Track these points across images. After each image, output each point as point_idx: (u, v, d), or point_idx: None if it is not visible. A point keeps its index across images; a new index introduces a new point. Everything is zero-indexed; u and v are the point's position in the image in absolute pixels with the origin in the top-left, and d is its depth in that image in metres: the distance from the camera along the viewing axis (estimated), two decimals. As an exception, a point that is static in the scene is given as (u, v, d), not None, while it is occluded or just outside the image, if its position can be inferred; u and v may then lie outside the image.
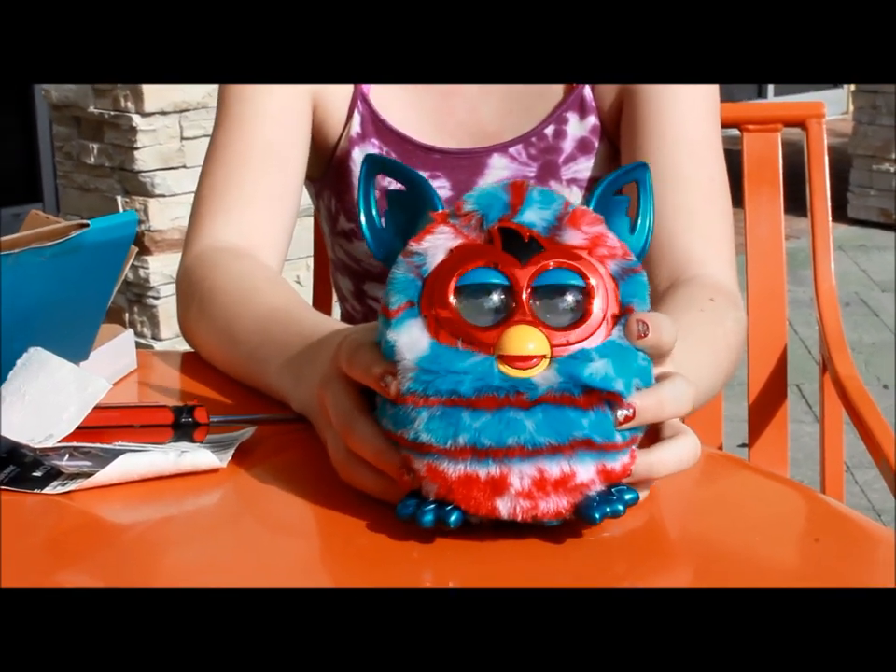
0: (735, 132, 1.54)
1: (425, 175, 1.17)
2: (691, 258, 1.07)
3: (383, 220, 0.76)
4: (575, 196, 1.18)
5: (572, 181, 1.18)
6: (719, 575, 0.70)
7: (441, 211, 0.72)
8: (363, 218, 0.76)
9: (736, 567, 0.71)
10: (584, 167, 1.18)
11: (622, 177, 0.76)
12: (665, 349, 0.73)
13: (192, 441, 0.83)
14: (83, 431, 0.79)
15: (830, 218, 1.55)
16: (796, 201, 1.54)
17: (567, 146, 1.17)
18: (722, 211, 1.12)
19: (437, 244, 0.71)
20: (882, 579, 0.70)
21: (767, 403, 1.55)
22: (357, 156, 1.18)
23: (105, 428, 0.80)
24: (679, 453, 0.74)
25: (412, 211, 0.75)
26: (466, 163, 1.18)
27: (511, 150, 1.18)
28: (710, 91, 1.15)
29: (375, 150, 1.18)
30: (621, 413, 0.69)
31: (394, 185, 0.78)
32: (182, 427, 0.83)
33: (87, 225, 0.82)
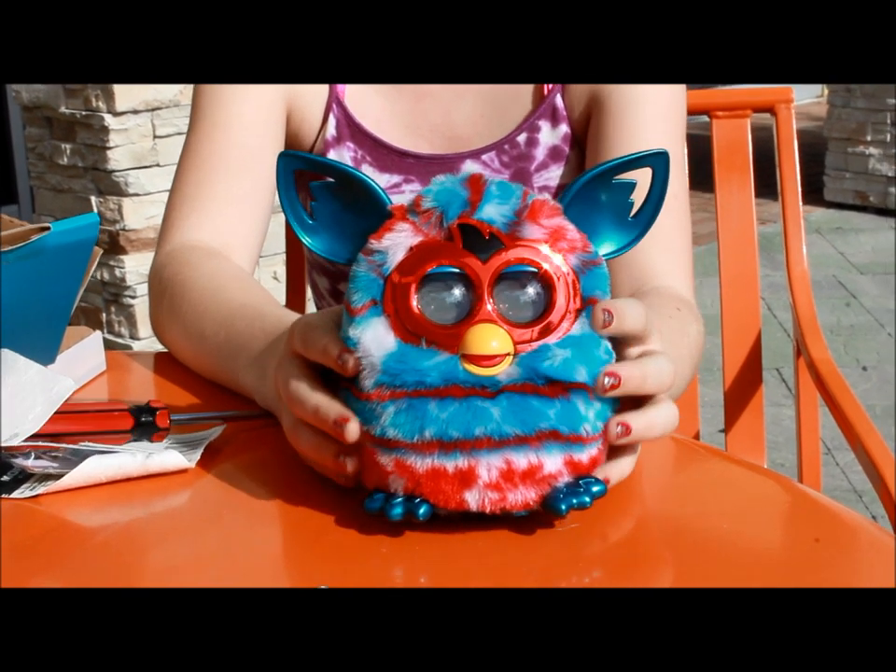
0: (705, 118, 1.54)
1: (399, 178, 1.18)
2: (653, 270, 1.08)
3: (311, 214, 0.75)
4: None
5: (544, 188, 1.18)
6: (688, 562, 0.70)
7: (399, 205, 0.72)
8: (289, 217, 0.75)
9: (706, 554, 0.71)
10: (556, 175, 1.18)
11: (636, 162, 0.75)
12: (633, 333, 0.73)
13: (150, 441, 0.83)
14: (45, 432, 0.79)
15: (801, 203, 1.55)
16: (773, 185, 1.55)
17: (539, 153, 1.17)
18: (683, 226, 1.14)
19: (397, 242, 0.71)
20: (853, 564, 0.70)
21: (743, 388, 1.56)
22: (333, 157, 1.18)
23: (63, 436, 0.80)
24: (665, 416, 0.74)
25: (342, 200, 0.74)
26: (439, 168, 1.18)
27: (484, 157, 1.18)
28: (676, 106, 1.15)
29: (350, 153, 1.18)
30: (608, 381, 0.70)
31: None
32: (142, 426, 0.83)
33: (48, 228, 0.81)
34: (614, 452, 0.74)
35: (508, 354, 0.69)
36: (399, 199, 1.15)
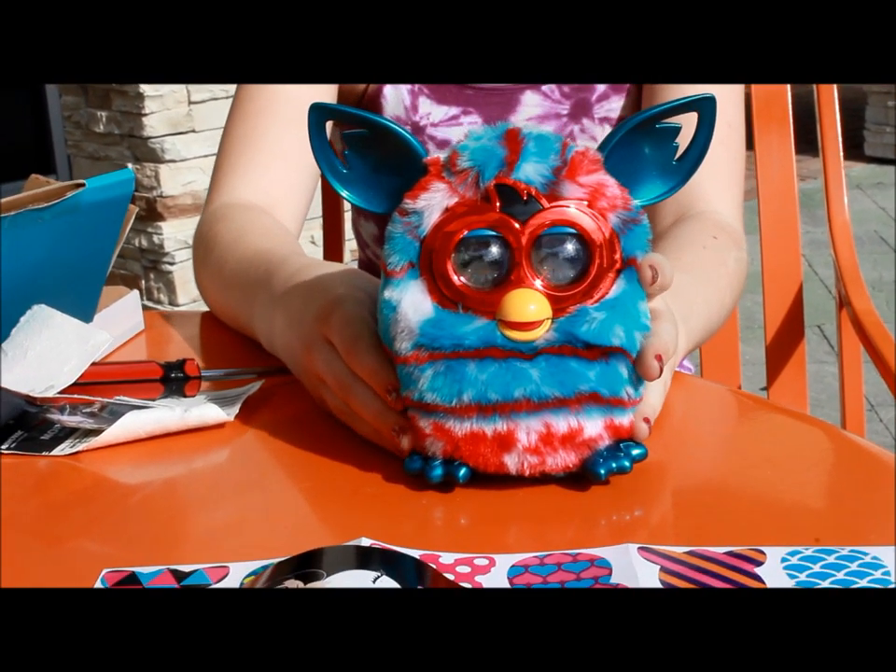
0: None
1: (457, 111, 1.17)
2: (699, 194, 1.07)
3: (345, 164, 0.73)
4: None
5: (605, 119, 1.17)
6: (734, 511, 0.70)
7: (434, 159, 0.70)
8: (323, 168, 0.73)
9: (752, 503, 0.71)
10: (617, 106, 1.17)
11: (682, 107, 0.72)
12: (667, 287, 0.72)
13: (184, 395, 0.83)
14: (76, 387, 0.80)
15: (841, 154, 1.53)
16: (813, 142, 1.53)
17: (601, 84, 1.16)
18: (736, 155, 1.12)
19: (432, 203, 0.69)
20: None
21: (785, 344, 1.54)
22: (389, 92, 1.17)
23: (95, 385, 0.81)
24: (669, 330, 0.73)
25: (377, 152, 0.72)
26: (498, 100, 1.17)
27: (544, 88, 1.17)
28: None
29: (407, 87, 1.16)
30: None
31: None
32: (172, 381, 0.83)
33: (83, 185, 0.81)
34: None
35: (546, 319, 0.68)
36: (457, 131, 1.14)
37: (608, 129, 1.17)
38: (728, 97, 1.12)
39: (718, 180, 1.08)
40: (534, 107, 1.17)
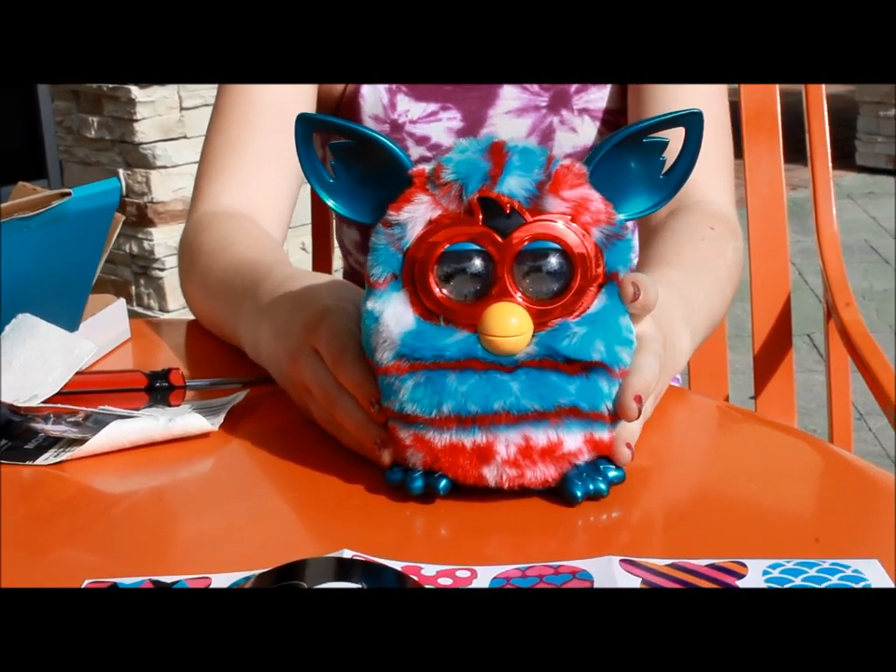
0: (732, 80, 1.52)
1: (436, 107, 1.17)
2: (693, 185, 1.07)
3: (332, 174, 0.73)
4: (587, 125, 1.17)
5: (584, 111, 1.17)
6: (717, 524, 0.70)
7: (419, 170, 0.70)
8: (310, 178, 0.74)
9: (736, 517, 0.71)
10: (597, 97, 1.17)
11: (670, 121, 0.72)
12: (651, 308, 0.72)
13: (168, 405, 0.83)
14: (60, 397, 0.79)
15: (830, 164, 1.53)
16: (803, 151, 1.53)
17: None
18: (725, 148, 1.13)
19: (416, 215, 0.69)
20: (886, 525, 0.69)
21: (773, 353, 1.54)
22: (367, 92, 1.17)
23: (79, 394, 0.81)
24: (652, 365, 0.72)
25: (363, 162, 0.72)
26: (476, 94, 1.17)
27: None
28: None
29: (385, 84, 1.16)
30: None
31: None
32: (157, 390, 0.83)
33: (69, 194, 0.81)
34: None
35: (527, 332, 0.68)
36: (436, 127, 1.14)
37: (587, 120, 1.17)
38: (712, 94, 1.13)
39: (710, 170, 1.08)
40: (512, 100, 1.18)
